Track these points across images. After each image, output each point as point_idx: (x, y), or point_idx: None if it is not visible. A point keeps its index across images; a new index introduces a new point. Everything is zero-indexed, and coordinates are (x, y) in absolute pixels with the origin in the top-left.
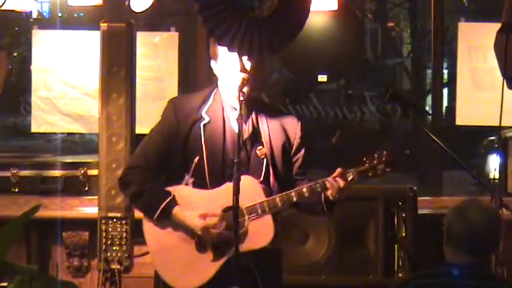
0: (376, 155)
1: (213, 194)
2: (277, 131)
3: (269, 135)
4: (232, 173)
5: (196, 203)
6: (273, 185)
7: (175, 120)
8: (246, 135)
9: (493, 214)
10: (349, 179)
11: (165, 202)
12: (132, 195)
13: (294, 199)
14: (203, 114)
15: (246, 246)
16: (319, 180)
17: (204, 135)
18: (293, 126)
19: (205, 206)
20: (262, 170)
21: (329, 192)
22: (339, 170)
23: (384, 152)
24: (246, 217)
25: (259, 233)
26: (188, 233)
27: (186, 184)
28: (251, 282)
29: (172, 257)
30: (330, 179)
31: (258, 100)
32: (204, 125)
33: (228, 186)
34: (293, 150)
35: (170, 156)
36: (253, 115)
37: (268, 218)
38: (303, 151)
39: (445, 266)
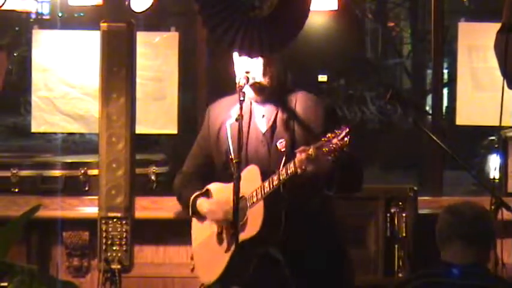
0: (335, 131)
1: (228, 187)
2: (302, 121)
3: (293, 128)
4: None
5: (217, 196)
6: None
7: (207, 124)
8: (265, 128)
9: (482, 210)
10: (309, 152)
11: (193, 196)
12: (177, 200)
13: (275, 182)
14: (233, 113)
15: (245, 235)
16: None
17: (230, 134)
18: (319, 114)
19: (223, 197)
20: (281, 162)
21: (297, 166)
22: (301, 147)
23: (342, 127)
24: (248, 205)
25: (252, 222)
26: (213, 227)
27: None
28: (277, 270)
29: (203, 253)
30: (295, 158)
31: (285, 89)
32: (231, 123)
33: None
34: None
35: (210, 159)
36: (281, 109)
37: (259, 205)
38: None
39: (445, 266)
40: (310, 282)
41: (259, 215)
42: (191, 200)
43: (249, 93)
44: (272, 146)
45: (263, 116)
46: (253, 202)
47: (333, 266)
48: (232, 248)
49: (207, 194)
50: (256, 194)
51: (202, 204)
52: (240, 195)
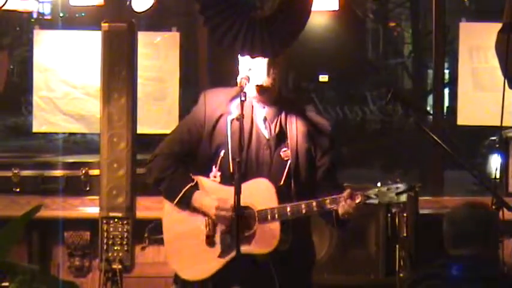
0: (389, 182)
1: (228, 192)
2: (305, 134)
3: (296, 138)
4: (247, 174)
5: (219, 198)
6: (293, 189)
7: (203, 112)
8: (271, 135)
9: (477, 209)
10: (357, 201)
11: (187, 186)
12: (154, 181)
13: (303, 211)
14: (232, 108)
15: (249, 249)
16: (330, 196)
17: (230, 130)
18: (322, 131)
19: (227, 201)
20: (284, 172)
21: (339, 211)
22: (348, 191)
23: (397, 181)
24: (256, 220)
25: (265, 239)
26: (201, 225)
27: (214, 177)
28: (268, 282)
29: (183, 247)
30: (340, 198)
31: (290, 99)
32: (232, 119)
33: (244, 185)
34: (318, 156)
35: (195, 146)
36: (283, 115)
37: (275, 225)
38: (329, 158)
39: (449, 264)
40: (292, 280)
41: (273, 237)
42: (185, 189)
43: (251, 92)
44: (275, 153)
45: (265, 119)
46: (266, 218)
47: (308, 263)
48: (231, 255)
49: (197, 186)
50: (272, 213)
51: (204, 199)
52: (245, 204)
